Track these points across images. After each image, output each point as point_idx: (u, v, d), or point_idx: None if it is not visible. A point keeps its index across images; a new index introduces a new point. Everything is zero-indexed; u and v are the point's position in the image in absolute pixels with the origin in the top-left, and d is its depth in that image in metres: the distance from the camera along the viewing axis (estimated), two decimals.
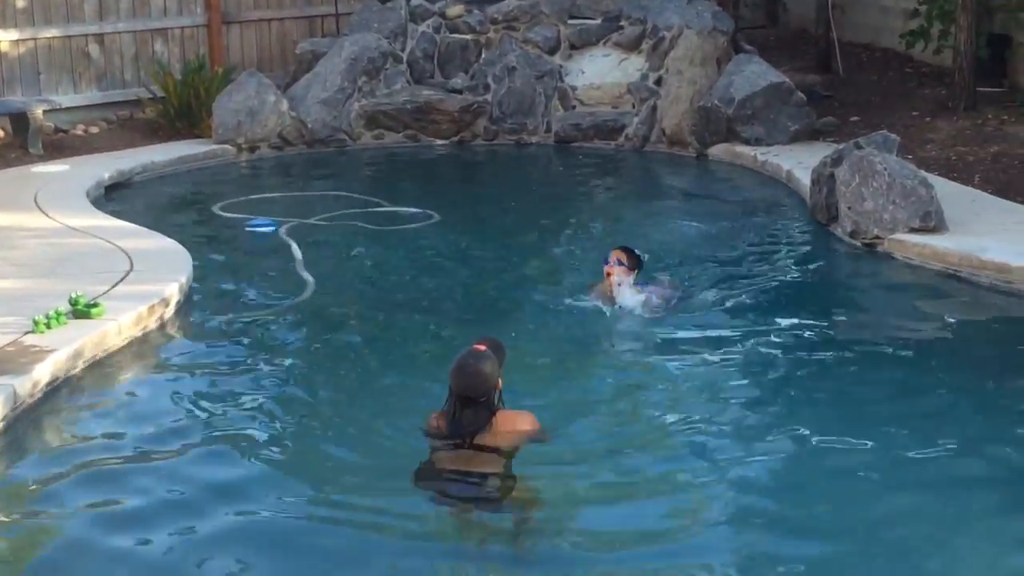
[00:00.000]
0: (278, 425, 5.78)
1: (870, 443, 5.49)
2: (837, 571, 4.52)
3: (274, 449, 5.51)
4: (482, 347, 5.06)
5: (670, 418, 5.83)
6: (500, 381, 5.04)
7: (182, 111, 12.36)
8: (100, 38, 12.85)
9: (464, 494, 4.79)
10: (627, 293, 7.22)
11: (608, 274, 7.35)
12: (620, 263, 7.33)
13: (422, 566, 4.47)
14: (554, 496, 4.89)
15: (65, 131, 12.36)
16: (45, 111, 11.81)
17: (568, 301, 7.46)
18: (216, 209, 10.01)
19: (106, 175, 10.77)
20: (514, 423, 5.06)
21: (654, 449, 5.53)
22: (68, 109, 12.48)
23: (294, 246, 8.80)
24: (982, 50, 11.90)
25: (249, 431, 5.66)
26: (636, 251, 7.54)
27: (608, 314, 7.20)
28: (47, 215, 9.29)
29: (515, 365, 5.61)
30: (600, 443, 5.51)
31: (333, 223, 9.65)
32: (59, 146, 11.87)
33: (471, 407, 4.93)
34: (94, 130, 12.52)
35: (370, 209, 10.06)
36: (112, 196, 10.48)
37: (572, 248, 8.98)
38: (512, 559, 4.50)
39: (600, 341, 7.00)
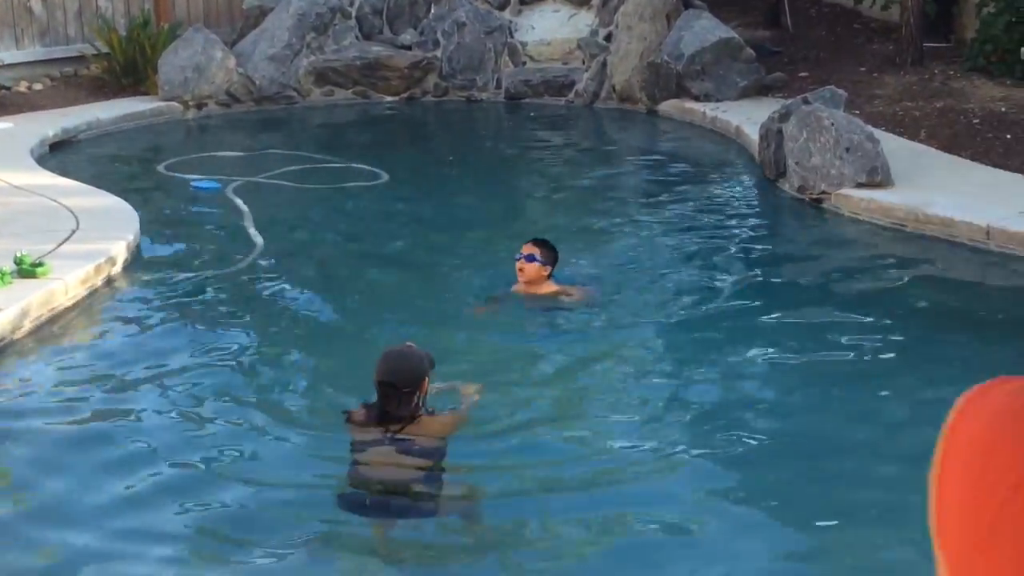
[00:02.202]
0: (224, 384, 5.76)
1: (814, 393, 5.60)
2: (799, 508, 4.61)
3: (219, 408, 5.49)
4: (411, 343, 4.86)
5: (618, 390, 5.79)
6: (427, 383, 4.69)
7: (128, 68, 12.21)
8: None
9: (398, 514, 4.54)
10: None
11: (520, 269, 6.60)
12: (533, 258, 6.56)
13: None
14: (501, 487, 4.77)
15: (8, 88, 12.17)
16: None
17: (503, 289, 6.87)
18: (161, 169, 9.92)
19: (51, 133, 10.64)
20: (440, 419, 4.78)
21: (597, 423, 5.48)
22: (11, 66, 12.28)
23: (242, 204, 8.75)
24: (929, 5, 11.98)
25: (195, 391, 5.64)
26: (551, 243, 6.73)
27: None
28: None
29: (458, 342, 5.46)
30: (538, 421, 5.38)
31: (281, 182, 9.59)
32: (2, 103, 11.69)
33: (395, 398, 4.57)
34: (38, 87, 12.34)
35: (314, 165, 10.01)
36: (57, 154, 10.36)
37: (518, 213, 8.93)
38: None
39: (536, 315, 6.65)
